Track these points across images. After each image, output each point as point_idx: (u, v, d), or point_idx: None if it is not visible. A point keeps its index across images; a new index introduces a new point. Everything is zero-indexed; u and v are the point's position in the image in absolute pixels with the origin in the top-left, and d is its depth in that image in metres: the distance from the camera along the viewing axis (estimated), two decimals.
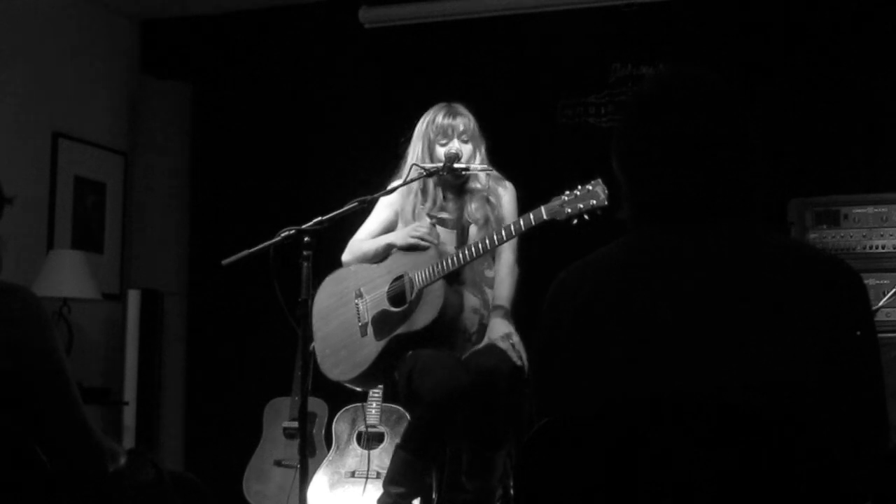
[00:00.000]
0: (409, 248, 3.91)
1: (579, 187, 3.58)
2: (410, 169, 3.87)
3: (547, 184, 4.03)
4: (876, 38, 4.99)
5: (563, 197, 3.60)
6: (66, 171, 5.79)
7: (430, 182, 4.02)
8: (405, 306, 3.88)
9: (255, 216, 5.47)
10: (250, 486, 5.09)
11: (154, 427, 5.71)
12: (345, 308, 4.03)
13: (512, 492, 3.71)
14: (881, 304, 4.04)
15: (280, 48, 6.09)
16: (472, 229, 3.97)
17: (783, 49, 5.19)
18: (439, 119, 4.01)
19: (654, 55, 5.38)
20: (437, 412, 3.70)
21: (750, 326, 1.60)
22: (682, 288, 1.65)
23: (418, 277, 3.85)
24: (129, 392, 5.58)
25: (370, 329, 3.95)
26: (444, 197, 4.06)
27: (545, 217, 3.63)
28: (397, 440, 4.15)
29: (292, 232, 3.38)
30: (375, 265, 4.02)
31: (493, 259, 3.99)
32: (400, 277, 3.93)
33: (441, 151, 3.95)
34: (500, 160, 4.06)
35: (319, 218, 3.42)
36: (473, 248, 3.77)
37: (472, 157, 3.98)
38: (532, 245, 4.06)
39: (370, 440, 4.66)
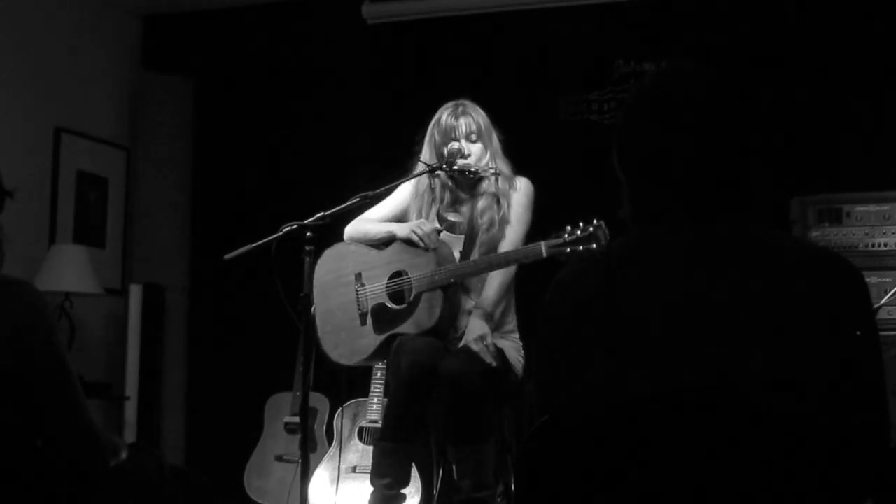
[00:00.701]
0: (409, 243, 3.94)
1: (581, 227, 3.56)
2: (416, 166, 3.91)
3: (549, 181, 4.04)
4: (879, 36, 4.98)
5: (563, 236, 3.58)
6: (68, 166, 5.80)
7: (438, 183, 4.03)
8: (404, 306, 3.94)
9: (257, 211, 5.48)
10: (251, 481, 5.10)
11: (155, 422, 5.72)
12: (344, 289, 4.06)
13: (513, 488, 3.72)
14: (883, 301, 4.03)
15: (282, 43, 6.09)
16: (481, 231, 3.97)
17: (786, 46, 5.18)
18: (445, 119, 4.00)
19: (656, 52, 5.37)
20: (409, 391, 3.78)
21: (749, 324, 1.59)
22: (682, 286, 1.65)
23: (417, 282, 3.90)
24: (131, 387, 5.58)
25: (370, 320, 4.00)
26: (456, 198, 4.07)
27: (544, 255, 3.64)
28: None
29: (294, 227, 3.38)
30: (375, 252, 4.05)
31: None
32: (398, 273, 3.97)
33: (447, 152, 3.96)
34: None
35: (322, 213, 3.43)
36: (470, 267, 3.83)
37: (481, 156, 3.97)
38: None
39: (371, 436, 4.66)
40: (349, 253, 4.11)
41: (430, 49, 5.82)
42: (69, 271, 5.28)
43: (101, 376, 5.71)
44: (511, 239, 3.94)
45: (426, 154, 4.00)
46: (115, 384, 5.65)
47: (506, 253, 3.82)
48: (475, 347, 3.74)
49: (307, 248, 3.36)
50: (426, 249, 3.90)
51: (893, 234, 4.55)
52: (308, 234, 3.36)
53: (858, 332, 1.62)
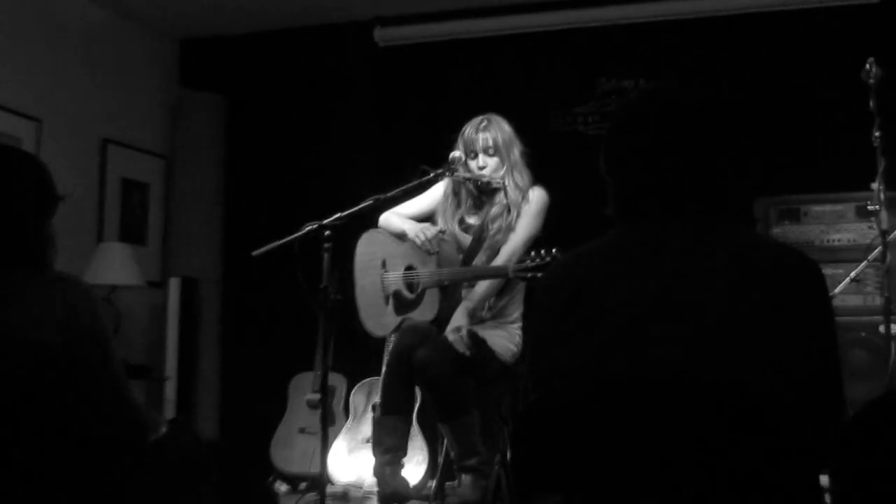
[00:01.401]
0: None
1: (542, 255, 3.60)
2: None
3: (539, 185, 4.03)
4: (831, 54, 4.97)
5: (527, 262, 3.63)
6: (113, 173, 5.79)
7: (463, 189, 4.04)
8: (413, 296, 4.02)
9: (282, 212, 5.47)
10: (277, 451, 5.09)
11: (192, 400, 5.71)
12: (374, 270, 4.13)
13: (509, 458, 3.72)
14: (837, 290, 4.03)
15: (304, 64, 6.08)
16: (489, 237, 3.97)
17: (747, 65, 5.18)
18: (467, 132, 4.00)
19: (635, 70, 5.37)
20: (390, 369, 3.92)
21: (719, 310, 1.59)
22: (661, 276, 1.65)
23: (423, 278, 3.96)
24: (170, 368, 5.58)
25: (391, 302, 4.08)
26: (478, 203, 4.08)
27: (510, 276, 3.71)
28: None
29: (315, 226, 3.38)
30: (397, 243, 4.09)
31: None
32: (411, 267, 4.03)
33: (472, 163, 3.96)
34: None
35: (339, 214, 3.43)
36: (457, 275, 3.88)
37: (496, 169, 3.95)
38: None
39: None
40: (379, 240, 4.15)
41: (435, 68, 5.81)
42: (115, 266, 5.28)
43: (144, 360, 5.71)
44: (511, 244, 3.91)
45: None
46: (155, 367, 5.64)
47: (483, 267, 3.88)
48: (450, 337, 3.79)
49: (326, 244, 3.35)
50: (428, 252, 3.93)
51: (846, 231, 4.54)
52: (327, 232, 3.36)
53: (818, 321, 1.62)
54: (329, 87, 6.00)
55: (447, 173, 3.90)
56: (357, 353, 4.74)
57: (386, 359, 4.71)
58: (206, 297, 5.94)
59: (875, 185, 3.75)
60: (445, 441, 3.95)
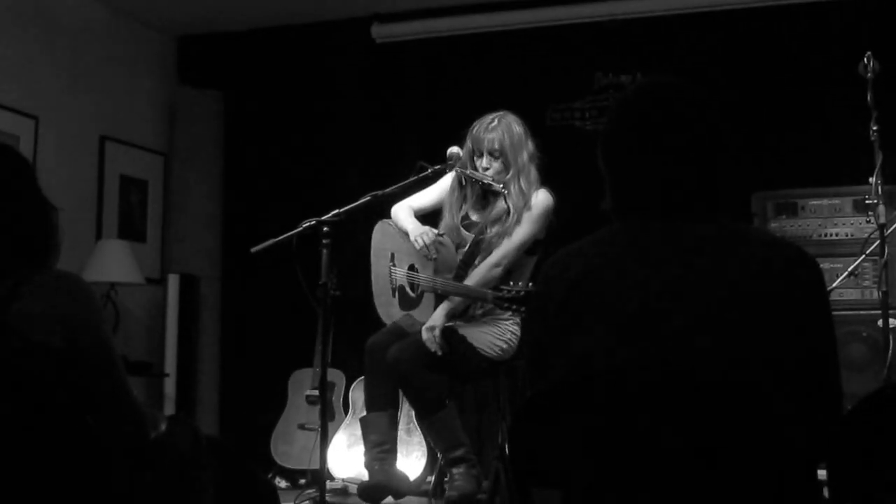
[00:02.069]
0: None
1: (519, 287, 3.61)
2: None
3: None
4: (828, 48, 4.97)
5: (504, 291, 3.62)
6: (112, 170, 5.79)
7: (470, 187, 4.02)
8: (414, 296, 4.06)
9: (281, 209, 5.46)
10: (277, 446, 5.10)
11: (192, 396, 5.71)
12: (384, 261, 4.18)
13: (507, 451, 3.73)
14: (834, 284, 4.02)
15: (302, 60, 6.08)
16: (487, 239, 3.96)
17: (745, 60, 5.19)
18: (476, 130, 3.94)
19: (632, 65, 5.37)
20: (367, 367, 4.02)
21: (717, 305, 1.59)
22: (658, 270, 1.65)
23: (421, 281, 3.99)
24: (170, 365, 5.57)
25: (397, 295, 4.13)
26: (478, 202, 4.07)
27: (489, 301, 3.73)
28: (405, 406, 4.19)
29: (313, 223, 3.39)
30: (404, 239, 4.09)
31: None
32: (413, 267, 4.06)
33: (477, 162, 3.93)
34: None
35: (337, 210, 3.43)
36: (448, 287, 3.88)
37: (499, 171, 3.90)
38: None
39: None
40: (390, 232, 4.18)
41: (432, 64, 5.80)
42: (114, 263, 5.27)
43: (144, 356, 5.70)
44: (503, 249, 3.89)
45: (462, 155, 3.97)
46: (155, 363, 5.64)
47: (466, 286, 3.86)
48: (423, 336, 3.80)
49: (324, 241, 3.36)
50: (426, 258, 3.93)
51: (843, 224, 4.55)
52: (325, 229, 3.36)
53: (816, 316, 1.62)
54: (327, 83, 6.00)
55: (446, 169, 3.89)
56: (356, 349, 4.73)
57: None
58: (206, 293, 5.93)
59: (873, 179, 3.74)
60: (429, 439, 3.99)
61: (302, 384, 5.20)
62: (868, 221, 3.94)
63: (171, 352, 5.59)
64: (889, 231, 3.81)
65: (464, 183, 4.04)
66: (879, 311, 3.83)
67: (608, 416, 1.52)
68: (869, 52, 3.83)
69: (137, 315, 5.85)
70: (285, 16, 5.96)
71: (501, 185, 3.87)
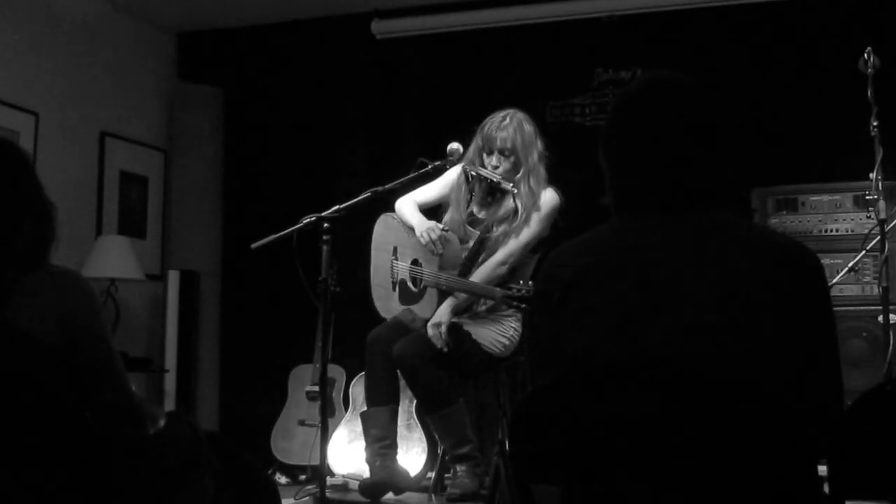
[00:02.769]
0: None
1: (527, 286, 3.58)
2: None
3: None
4: (829, 43, 4.97)
5: (513, 289, 3.61)
6: (112, 166, 5.78)
7: (477, 184, 4.01)
8: (416, 291, 4.04)
9: (281, 205, 5.45)
10: (277, 443, 5.10)
11: (192, 392, 5.71)
12: (386, 255, 4.17)
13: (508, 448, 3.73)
14: (835, 280, 4.02)
15: (302, 56, 6.07)
16: (492, 238, 3.95)
17: (745, 55, 5.18)
18: (487, 128, 3.91)
19: (632, 61, 5.36)
20: (368, 361, 4.01)
21: (717, 300, 1.59)
22: (658, 266, 1.64)
23: (425, 276, 3.97)
24: (170, 361, 5.58)
25: (398, 289, 4.11)
26: (485, 199, 4.05)
27: (497, 300, 3.72)
28: (406, 401, 4.19)
29: (313, 219, 3.38)
30: (408, 234, 4.07)
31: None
32: (417, 262, 4.05)
33: (486, 159, 3.91)
34: None
35: (337, 206, 3.42)
36: (453, 283, 3.87)
37: (510, 171, 3.88)
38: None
39: None
40: (393, 226, 4.17)
41: (432, 61, 5.80)
42: (114, 259, 5.27)
43: (144, 352, 5.71)
44: (510, 247, 3.89)
45: (470, 151, 3.95)
46: (155, 359, 5.65)
47: (475, 284, 3.85)
48: (429, 332, 3.80)
49: (324, 237, 3.35)
50: (432, 253, 3.91)
51: (844, 220, 4.54)
52: (325, 224, 3.35)
53: (817, 311, 1.62)
54: (327, 79, 5.99)
55: (446, 165, 3.89)
56: (356, 345, 4.73)
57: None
58: (206, 289, 5.93)
59: (873, 175, 3.74)
60: (435, 434, 3.98)
61: (302, 380, 5.20)
62: (868, 217, 3.93)
63: (172, 348, 5.59)
64: (889, 227, 3.81)
65: (470, 179, 4.02)
66: (880, 307, 3.83)
67: (608, 412, 1.52)
68: (869, 48, 3.82)
69: (137, 311, 5.85)
70: (285, 12, 5.95)
71: (511, 185, 3.84)
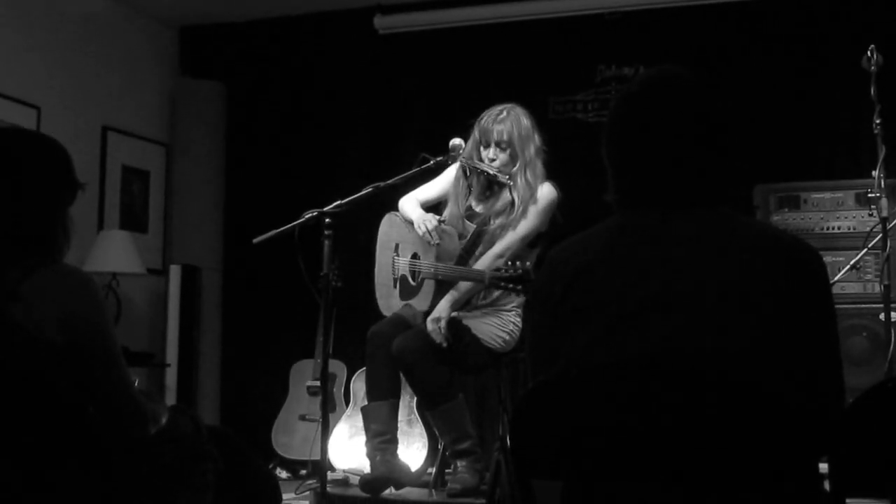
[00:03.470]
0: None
1: (515, 266, 3.56)
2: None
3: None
4: (832, 41, 4.96)
5: (502, 270, 3.59)
6: (114, 161, 5.79)
7: (475, 177, 4.01)
8: (414, 284, 4.05)
9: (282, 200, 5.46)
10: (278, 437, 5.11)
11: (193, 386, 5.72)
12: (388, 252, 4.18)
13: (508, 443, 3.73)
14: (837, 278, 4.02)
15: (304, 51, 6.08)
16: (489, 231, 3.95)
17: (748, 52, 5.18)
18: (484, 121, 3.91)
19: (635, 57, 5.36)
20: (368, 356, 3.99)
21: (719, 298, 1.58)
22: (660, 262, 1.64)
23: (423, 268, 3.98)
24: (171, 355, 5.58)
25: (398, 285, 4.12)
26: (483, 193, 4.05)
27: (486, 283, 3.69)
28: (406, 396, 4.19)
29: (314, 214, 3.37)
30: (409, 230, 4.07)
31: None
32: (416, 256, 4.06)
33: (483, 153, 3.91)
34: None
35: (339, 201, 3.41)
36: (448, 272, 3.86)
37: (506, 164, 3.88)
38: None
39: None
40: (396, 223, 4.18)
41: (435, 56, 5.79)
42: (116, 254, 5.28)
43: (145, 346, 5.71)
44: (507, 241, 3.88)
45: (468, 146, 3.95)
46: (157, 353, 5.65)
47: (465, 269, 3.85)
48: (429, 327, 3.80)
49: (326, 232, 3.34)
50: (428, 243, 3.92)
51: (846, 218, 4.54)
52: (327, 219, 3.34)
53: (818, 309, 1.62)
54: (329, 74, 5.99)
55: (448, 161, 3.88)
56: (357, 341, 4.72)
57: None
58: (207, 284, 5.94)
59: (875, 173, 3.74)
60: (435, 429, 3.99)
61: (303, 375, 5.20)
62: (870, 215, 3.93)
63: (173, 342, 5.60)
64: (892, 225, 3.81)
65: (468, 173, 4.03)
66: (881, 305, 3.83)
67: (609, 409, 1.52)
68: (872, 46, 3.82)
69: (139, 305, 5.85)
70: (287, 6, 5.95)
71: (507, 177, 3.85)
